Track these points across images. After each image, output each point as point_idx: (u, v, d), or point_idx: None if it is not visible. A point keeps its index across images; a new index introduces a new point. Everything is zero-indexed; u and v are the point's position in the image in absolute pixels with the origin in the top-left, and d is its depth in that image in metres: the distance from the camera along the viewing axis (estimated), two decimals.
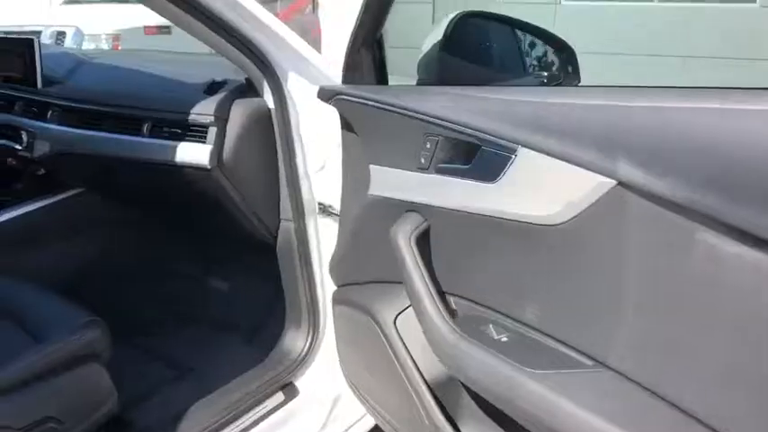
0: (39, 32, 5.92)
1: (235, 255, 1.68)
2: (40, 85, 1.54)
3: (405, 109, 0.95)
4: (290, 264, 1.41)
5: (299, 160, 1.31)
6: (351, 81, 1.12)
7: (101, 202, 1.70)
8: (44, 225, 1.66)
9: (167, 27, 6.39)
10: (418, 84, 1.13)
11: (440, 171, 0.91)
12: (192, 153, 1.28)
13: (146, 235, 1.77)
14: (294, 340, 1.45)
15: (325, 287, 1.39)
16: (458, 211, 0.90)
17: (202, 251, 1.78)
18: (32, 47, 1.52)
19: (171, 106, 1.32)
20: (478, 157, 0.84)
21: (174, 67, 1.59)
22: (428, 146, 0.92)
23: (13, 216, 1.60)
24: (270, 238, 1.42)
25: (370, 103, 1.01)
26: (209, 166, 1.26)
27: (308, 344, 1.43)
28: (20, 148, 1.61)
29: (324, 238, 1.37)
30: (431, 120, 0.90)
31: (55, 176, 1.69)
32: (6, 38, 1.60)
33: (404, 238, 0.96)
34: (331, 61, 1.19)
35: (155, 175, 1.41)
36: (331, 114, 1.20)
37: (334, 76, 1.21)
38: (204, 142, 1.27)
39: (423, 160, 0.93)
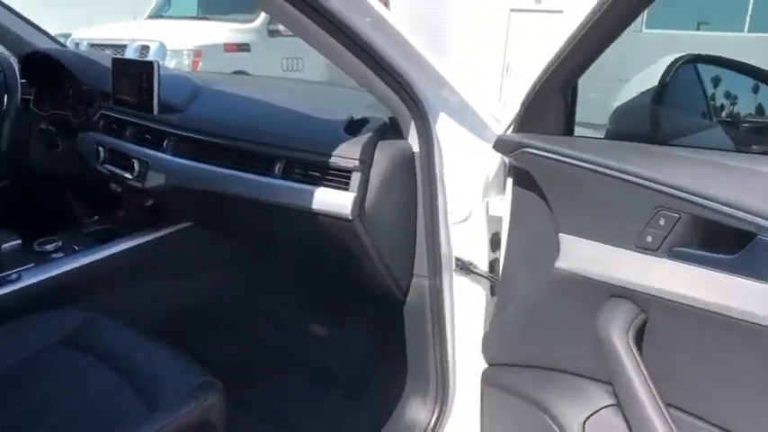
0: (124, 46, 6.10)
1: (352, 306, 1.54)
2: (155, 111, 1.45)
3: (625, 173, 0.78)
4: (419, 325, 1.26)
5: (440, 210, 1.17)
6: (528, 130, 0.96)
7: (210, 239, 1.59)
8: (148, 260, 1.57)
9: (246, 45, 6.47)
10: (609, 137, 0.96)
11: (676, 256, 0.74)
12: (332, 200, 1.14)
13: (256, 278, 1.65)
14: (418, 412, 1.30)
15: (457, 357, 1.23)
16: (705, 310, 0.71)
17: (317, 299, 1.65)
18: (151, 71, 1.43)
19: (308, 145, 1.19)
20: (752, 248, 0.66)
21: (302, 98, 1.48)
22: (661, 222, 0.74)
23: (117, 250, 1.51)
24: (398, 293, 1.27)
25: (570, 161, 0.84)
26: (350, 217, 1.12)
27: (434, 418, 1.27)
28: (130, 177, 1.52)
29: (460, 300, 1.22)
30: (670, 191, 0.73)
31: (163, 208, 1.60)
32: (126, 60, 1.52)
33: (619, 332, 0.78)
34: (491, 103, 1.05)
35: (281, 220, 1.28)
36: (478, 162, 1.09)
37: (490, 118, 1.08)
38: (346, 189, 1.13)
39: (649, 239, 0.76)
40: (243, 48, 6.44)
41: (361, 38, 0.96)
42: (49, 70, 1.81)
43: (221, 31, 6.33)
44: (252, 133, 1.29)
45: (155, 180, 1.47)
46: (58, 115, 1.83)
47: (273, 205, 1.23)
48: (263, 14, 6.54)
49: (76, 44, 6.38)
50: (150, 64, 1.43)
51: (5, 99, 1.63)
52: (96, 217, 1.90)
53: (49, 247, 1.51)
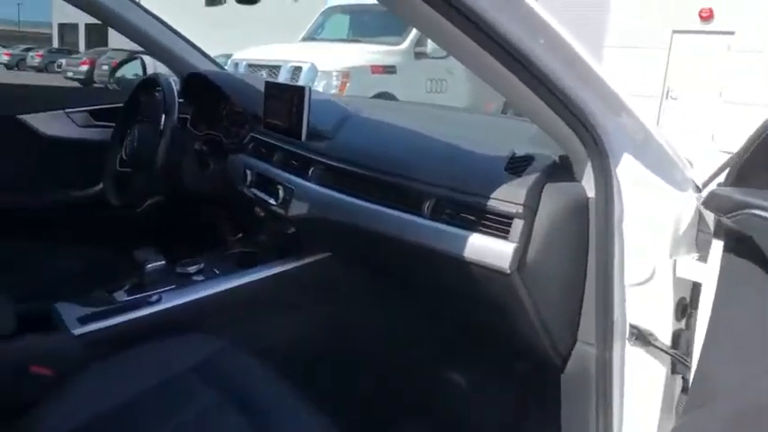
0: (279, 66, 6.44)
1: (498, 362, 1.39)
2: (304, 137, 1.41)
3: None
4: (581, 399, 1.08)
5: (616, 269, 0.98)
6: (752, 184, 0.76)
7: (349, 272, 1.52)
8: (285, 289, 1.53)
9: (392, 67, 6.57)
10: None
11: None
12: (488, 249, 1.00)
13: (393, 318, 1.56)
14: None
15: None
16: None
17: (458, 348, 1.52)
18: (302, 96, 1.39)
19: (461, 183, 1.06)
20: None
21: (454, 128, 1.36)
22: None
23: (257, 277, 1.49)
24: (557, 358, 1.10)
25: None
26: (508, 271, 0.97)
27: None
28: (274, 203, 1.49)
29: (633, 376, 1.03)
30: None
31: (304, 237, 1.56)
32: (278, 84, 1.50)
33: None
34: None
35: (425, 263, 1.17)
36: (666, 211, 0.92)
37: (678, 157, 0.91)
38: (505, 237, 0.98)
39: None
40: (389, 69, 6.54)
41: (534, 63, 0.83)
42: (207, 91, 1.87)
43: (369, 54, 6.49)
44: (400, 167, 1.19)
45: (298, 209, 1.42)
46: (211, 135, 1.88)
47: (420, 247, 1.11)
48: (410, 37, 6.61)
49: (236, 64, 6.86)
50: (301, 89, 1.39)
51: (163, 118, 1.68)
52: (240, 235, 1.93)
53: (192, 269, 1.52)
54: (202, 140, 1.89)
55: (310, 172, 1.40)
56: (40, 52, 21.54)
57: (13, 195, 2.00)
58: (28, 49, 22.48)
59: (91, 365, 1.17)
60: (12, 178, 2.02)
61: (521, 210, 0.97)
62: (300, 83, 6.21)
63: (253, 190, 1.61)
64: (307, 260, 1.53)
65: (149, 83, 1.83)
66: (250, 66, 6.66)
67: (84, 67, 15.25)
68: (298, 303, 1.55)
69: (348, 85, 6.21)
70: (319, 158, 1.38)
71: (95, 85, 14.97)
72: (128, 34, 1.96)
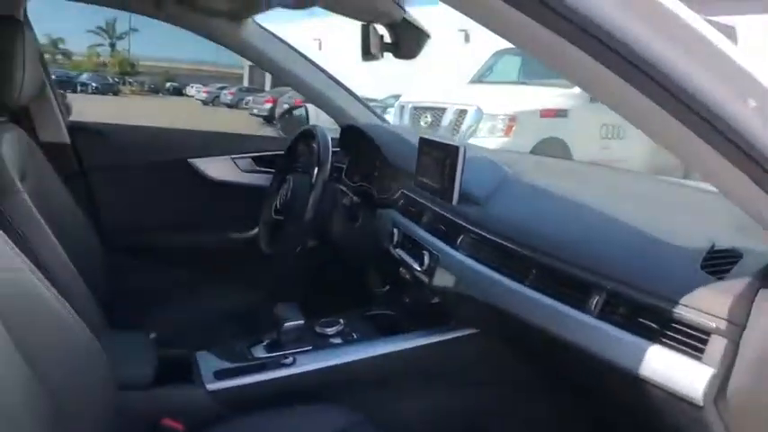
0: (444, 109, 6.46)
1: None
2: (455, 201, 1.29)
3: None
4: None
5: None
6: None
7: (496, 355, 1.36)
8: (425, 364, 1.41)
9: (564, 110, 6.27)
10: None
11: None
12: (674, 371, 0.79)
13: (538, 416, 1.37)
14: None
15: None
16: None
17: None
18: (456, 156, 1.28)
19: (643, 279, 0.87)
20: None
21: (636, 202, 1.16)
22: None
23: (395, 349, 1.39)
24: None
25: None
26: (701, 402, 0.76)
27: None
28: (419, 269, 1.39)
29: None
30: None
31: (447, 308, 1.43)
32: (432, 141, 1.41)
33: None
34: None
35: (589, 369, 0.98)
36: None
37: None
38: (699, 359, 0.77)
39: None
40: (560, 113, 6.26)
41: (741, 133, 0.63)
42: (362, 143, 1.85)
43: (539, 97, 6.26)
44: (564, 248, 1.02)
45: (442, 279, 1.30)
46: (363, 187, 1.84)
47: (581, 350, 0.93)
48: None
49: (402, 107, 7.01)
50: (456, 149, 1.28)
51: (316, 171, 1.67)
52: (385, 288, 1.86)
53: (330, 330, 1.47)
54: (354, 191, 1.86)
55: (459, 240, 1.28)
56: (233, 90, 24.08)
57: (176, 234, 2.13)
58: (222, 88, 25.26)
59: (221, 424, 1.15)
60: (177, 217, 2.15)
61: (723, 325, 0.75)
62: (465, 126, 6.16)
63: (399, 251, 1.53)
64: (450, 335, 1.40)
65: (307, 134, 1.85)
66: (416, 108, 6.76)
67: (268, 105, 16.66)
68: (437, 380, 1.42)
69: (515, 128, 6.04)
70: (470, 227, 1.26)
71: (275, 122, 16.35)
72: (292, 84, 2.01)
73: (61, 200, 1.78)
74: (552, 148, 6.09)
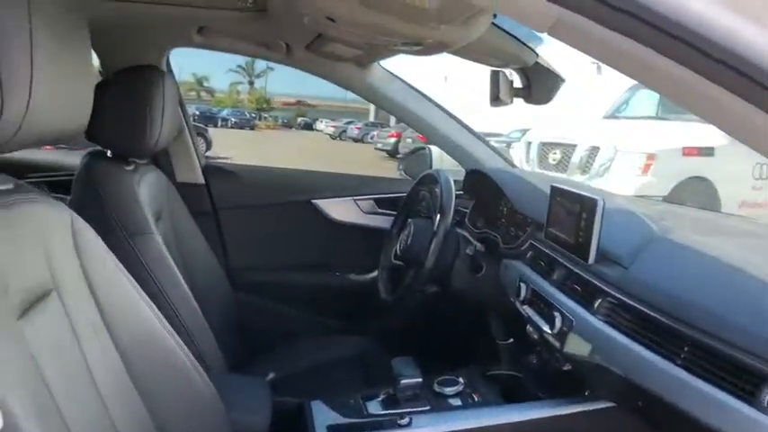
0: (574, 146, 6.20)
1: None
2: (592, 259, 1.18)
3: None
4: None
5: None
6: None
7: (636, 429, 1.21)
8: None
9: (710, 149, 5.77)
10: None
11: None
12: None
13: None
14: None
15: None
16: None
17: None
18: (593, 210, 1.17)
19: None
20: None
21: None
22: None
23: (521, 419, 1.28)
24: None
25: None
26: None
27: None
28: (549, 331, 1.28)
29: None
30: None
31: (579, 378, 1.30)
32: (566, 190, 1.31)
33: None
34: None
35: None
36: None
37: None
38: None
39: None
40: (705, 152, 5.78)
41: None
42: (488, 189, 1.77)
43: (681, 133, 5.81)
44: (723, 325, 0.87)
45: (576, 346, 1.18)
46: (487, 235, 1.76)
47: None
48: None
49: (529, 143, 6.83)
50: (593, 202, 1.17)
51: (438, 218, 1.62)
52: (509, 340, 1.76)
53: (449, 390, 1.40)
54: (478, 238, 1.79)
55: (596, 304, 1.16)
56: (359, 125, 24.96)
57: (299, 273, 2.17)
58: (349, 122, 26.25)
59: None
60: (301, 257, 2.19)
61: None
62: (597, 164, 5.86)
63: (526, 308, 1.42)
64: (584, 406, 1.27)
65: (430, 179, 1.81)
66: (544, 144, 6.55)
67: (392, 140, 17.03)
68: None
69: (653, 167, 5.65)
70: (610, 290, 1.13)
71: (399, 156, 16.63)
72: (416, 127, 1.99)
73: (193, 238, 1.87)
74: (696, 188, 5.63)
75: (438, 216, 1.63)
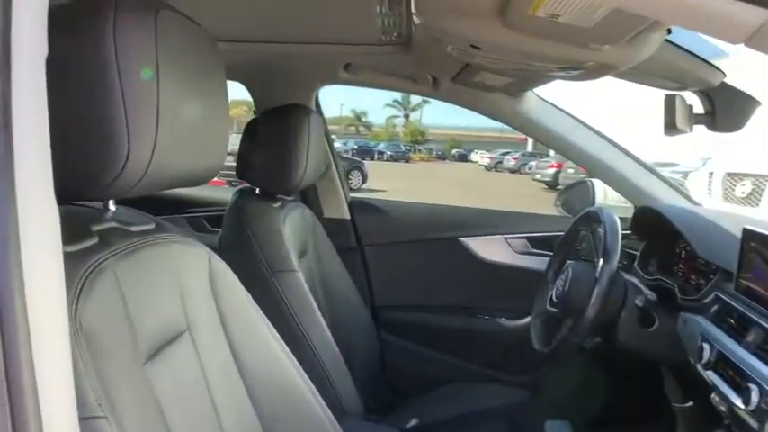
0: None
1: None
2: None
3: None
4: None
5: None
6: None
7: None
8: None
9: None
10: None
11: None
12: None
13: None
14: None
15: None
16: None
17: None
18: None
19: None
20: None
21: None
22: None
23: None
24: None
25: None
26: None
27: None
28: (742, 406, 1.06)
29: None
30: None
31: None
32: (763, 235, 1.09)
33: None
34: None
35: None
36: None
37: None
38: None
39: None
40: None
41: None
42: (662, 229, 1.57)
43: None
44: None
45: None
46: (661, 282, 1.55)
47: None
48: None
49: (711, 173, 6.16)
50: None
51: (600, 263, 1.45)
52: (688, 403, 1.52)
53: None
54: (649, 286, 1.58)
55: None
56: (516, 156, 24.55)
57: (445, 315, 2.08)
58: (505, 153, 25.92)
59: None
60: (447, 297, 2.11)
61: None
62: None
63: (710, 373, 1.21)
64: None
65: (591, 217, 1.64)
66: (730, 175, 5.86)
67: (552, 170, 16.48)
68: None
69: None
70: None
71: (559, 187, 16.03)
72: (577, 159, 1.84)
73: (337, 274, 1.87)
74: None
75: (601, 260, 1.46)
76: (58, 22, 0.65)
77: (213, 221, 2.22)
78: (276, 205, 1.60)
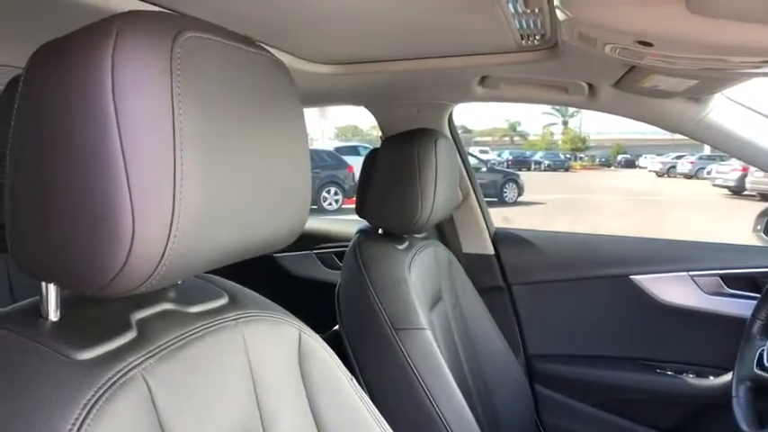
0: None
1: None
2: None
3: None
4: None
5: None
6: None
7: None
8: None
9: None
10: None
11: None
12: None
13: None
14: None
15: None
16: None
17: None
18: None
19: None
20: None
21: None
22: None
23: None
24: None
25: None
26: None
27: None
28: None
29: None
30: None
31: None
32: None
33: None
34: None
35: None
36: None
37: None
38: None
39: None
40: None
41: None
42: None
43: None
44: None
45: None
46: None
47: None
48: None
49: None
50: None
51: None
52: None
53: None
54: None
55: None
56: (692, 159, 22.33)
57: (612, 369, 1.74)
58: (679, 157, 23.68)
59: None
60: (615, 346, 1.77)
61: None
62: None
63: None
64: None
65: None
66: None
67: (735, 174, 14.73)
68: None
69: None
70: None
71: (746, 192, 14.25)
72: None
73: (480, 319, 1.62)
74: None
75: None
76: (49, 62, 0.49)
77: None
78: (401, 247, 1.39)
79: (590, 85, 1.40)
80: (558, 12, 0.85)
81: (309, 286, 2.19)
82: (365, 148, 12.20)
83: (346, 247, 1.44)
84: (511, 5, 0.98)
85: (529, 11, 1.01)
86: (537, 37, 1.16)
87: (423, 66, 1.36)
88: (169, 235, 0.48)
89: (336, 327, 1.42)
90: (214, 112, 0.53)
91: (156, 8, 0.91)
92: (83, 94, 0.47)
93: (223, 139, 0.54)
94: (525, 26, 1.10)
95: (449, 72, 1.39)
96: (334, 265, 2.18)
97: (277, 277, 2.21)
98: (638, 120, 1.51)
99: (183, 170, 0.48)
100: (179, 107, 0.48)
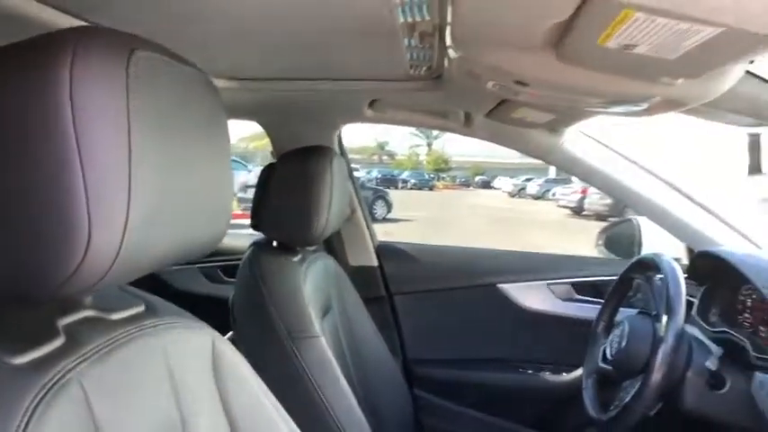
0: None
1: None
2: None
3: None
4: None
5: None
6: None
7: None
8: None
9: None
10: None
11: None
12: None
13: None
14: None
15: None
16: None
17: None
18: None
19: None
20: None
21: None
22: None
23: None
24: None
25: None
26: None
27: None
28: None
29: None
30: None
31: None
32: None
33: None
34: None
35: None
36: None
37: None
38: None
39: None
40: None
41: None
42: (723, 275, 1.38)
43: None
44: None
45: None
46: (728, 336, 1.36)
47: None
48: None
49: None
50: None
51: (665, 320, 1.27)
52: None
53: None
54: (715, 340, 1.39)
55: None
56: (539, 182, 24.17)
57: (487, 371, 1.90)
58: (528, 180, 25.54)
59: None
60: (487, 350, 1.93)
61: None
62: None
63: None
64: None
65: (647, 264, 1.46)
66: None
67: (576, 196, 16.17)
68: None
69: None
70: None
71: (584, 213, 15.66)
72: (626, 200, 1.66)
73: (364, 327, 1.70)
74: None
75: (665, 316, 1.28)
76: (6, 66, 0.50)
77: (230, 271, 2.08)
78: (296, 259, 1.44)
79: (466, 114, 1.55)
80: (450, 50, 0.96)
81: (193, 301, 2.15)
82: (235, 161, 12.01)
83: (232, 260, 1.47)
84: (406, 39, 1.08)
85: (421, 45, 1.12)
86: (424, 68, 1.27)
87: (318, 86, 1.43)
88: (123, 236, 0.51)
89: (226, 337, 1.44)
90: (163, 128, 0.56)
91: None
92: (41, 112, 0.48)
93: (169, 152, 0.57)
94: (416, 57, 1.21)
95: (342, 94, 1.47)
96: (218, 278, 2.16)
97: (157, 292, 2.15)
98: (504, 145, 1.68)
99: (135, 175, 0.51)
100: (135, 124, 0.51)
